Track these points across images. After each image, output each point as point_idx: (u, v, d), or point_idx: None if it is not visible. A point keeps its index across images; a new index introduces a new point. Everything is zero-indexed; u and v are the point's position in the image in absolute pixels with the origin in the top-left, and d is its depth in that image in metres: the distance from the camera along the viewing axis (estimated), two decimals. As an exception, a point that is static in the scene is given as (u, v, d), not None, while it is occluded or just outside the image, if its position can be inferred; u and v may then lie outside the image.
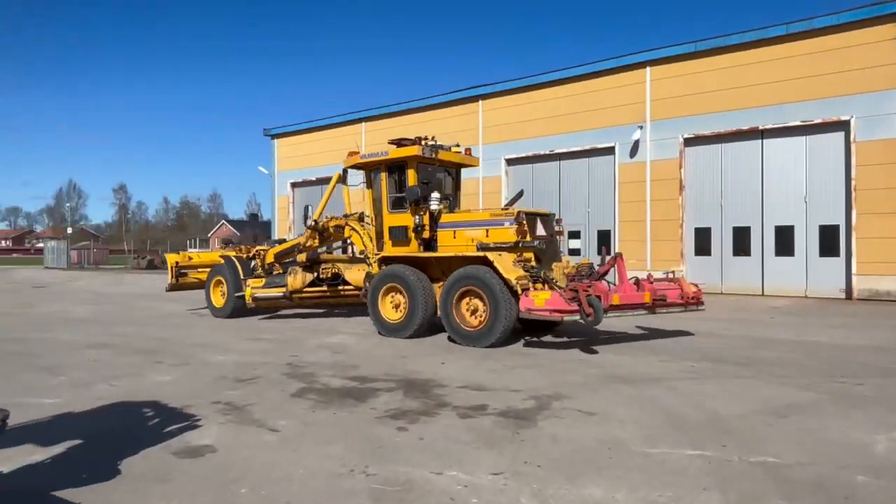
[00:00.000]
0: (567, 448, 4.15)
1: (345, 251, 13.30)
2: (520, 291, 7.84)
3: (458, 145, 10.62)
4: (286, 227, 28.94)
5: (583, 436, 4.41)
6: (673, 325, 10.33)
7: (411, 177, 9.82)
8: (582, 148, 20.25)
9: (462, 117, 23.05)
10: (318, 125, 27.88)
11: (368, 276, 10.08)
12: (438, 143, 10.20)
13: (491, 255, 8.35)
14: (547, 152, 21.01)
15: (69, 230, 48.65)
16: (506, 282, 7.98)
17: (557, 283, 8.33)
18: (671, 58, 18.53)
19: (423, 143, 9.85)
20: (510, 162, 22.08)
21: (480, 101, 22.59)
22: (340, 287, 11.39)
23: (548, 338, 9.18)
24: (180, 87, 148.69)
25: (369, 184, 10.66)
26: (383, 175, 10.20)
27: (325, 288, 11.46)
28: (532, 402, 5.38)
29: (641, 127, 18.93)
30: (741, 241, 17.78)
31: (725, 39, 17.64)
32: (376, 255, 10.18)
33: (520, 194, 11.00)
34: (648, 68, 18.97)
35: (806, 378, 6.29)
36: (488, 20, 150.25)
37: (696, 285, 8.80)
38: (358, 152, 10.77)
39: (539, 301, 7.61)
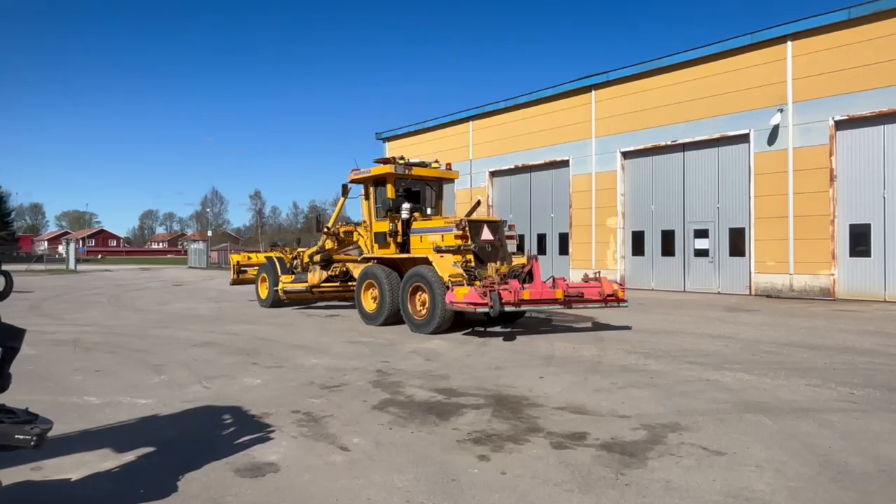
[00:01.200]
0: (684, 500, 3.30)
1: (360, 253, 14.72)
2: (449, 287, 9.18)
3: (436, 161, 12.26)
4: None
5: (705, 484, 3.52)
6: (828, 337, 8.70)
7: (389, 190, 11.66)
8: (710, 136, 18.29)
9: (573, 110, 21.91)
10: (426, 126, 28.08)
11: None
12: (419, 160, 11.98)
13: (432, 257, 9.97)
14: (668, 143, 19.25)
15: (209, 233, 53.79)
16: (442, 279, 9.49)
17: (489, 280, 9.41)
18: (818, 29, 16.09)
19: (396, 161, 11.59)
20: (626, 155, 20.57)
21: (593, 91, 21.30)
22: (350, 283, 12.98)
23: (666, 352, 8.08)
24: (307, 96, 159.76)
25: (366, 196, 12.32)
26: (371, 189, 12.06)
27: (338, 284, 13.28)
28: (643, 432, 4.53)
29: (781, 110, 16.64)
30: (913, 240, 14.99)
31: (885, 2, 14.92)
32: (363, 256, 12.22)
33: (477, 204, 12.33)
34: (790, 43, 16.63)
35: None
36: (602, 6, 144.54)
37: (619, 284, 10.01)
38: (357, 169, 12.35)
39: (459, 295, 8.92)
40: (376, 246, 11.98)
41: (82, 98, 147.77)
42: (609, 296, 9.65)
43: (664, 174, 19.75)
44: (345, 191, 12.96)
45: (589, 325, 10.94)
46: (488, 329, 10.39)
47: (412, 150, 28.80)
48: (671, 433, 4.51)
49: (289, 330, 10.47)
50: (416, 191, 12.16)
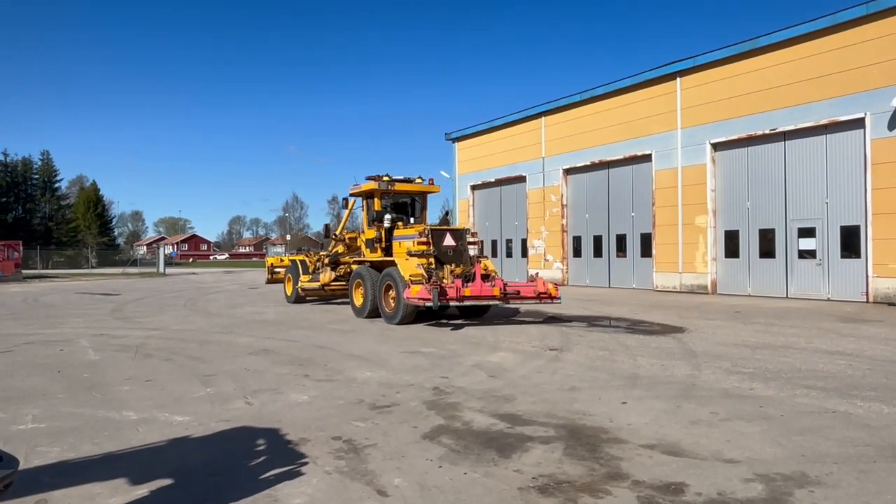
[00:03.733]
0: None
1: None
2: (409, 285, 10.93)
3: (420, 177, 13.99)
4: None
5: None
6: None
7: (376, 203, 13.83)
8: (816, 122, 16.29)
9: (655, 100, 20.36)
10: (496, 124, 27.28)
11: None
12: (401, 177, 13.78)
13: (398, 260, 11.95)
14: (766, 131, 17.37)
15: (288, 237, 55.66)
16: (403, 278, 11.24)
17: (443, 280, 11.19)
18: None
19: (381, 179, 13.44)
20: (717, 146, 18.81)
21: (678, 79, 19.67)
22: None
23: (775, 372, 6.86)
24: (377, 100, 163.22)
25: (363, 208, 14.42)
26: (365, 202, 14.29)
27: (344, 283, 14.88)
28: (759, 486, 3.54)
29: (907, 88, 14.43)
30: None
31: None
32: (354, 259, 14.63)
33: (446, 214, 14.74)
34: (917, 10, 14.40)
35: None
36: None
37: (553, 284, 11.71)
38: (357, 185, 14.29)
39: (413, 292, 10.74)
40: (367, 250, 13.95)
41: (174, 106, 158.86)
42: (542, 293, 11.25)
43: (762, 167, 17.83)
44: (346, 203, 15.62)
45: (676, 337, 9.77)
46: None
47: (481, 149, 28.12)
48: (798, 489, 3.49)
49: (349, 337, 10.15)
50: (405, 203, 14.36)
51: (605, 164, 22.48)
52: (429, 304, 10.39)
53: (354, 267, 14.21)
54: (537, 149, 25.20)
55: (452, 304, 10.69)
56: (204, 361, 7.86)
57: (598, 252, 23.10)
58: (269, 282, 19.56)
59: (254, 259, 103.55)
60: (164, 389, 6.25)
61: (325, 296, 16.08)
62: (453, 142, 30.17)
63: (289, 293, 16.86)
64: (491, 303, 11.17)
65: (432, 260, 11.95)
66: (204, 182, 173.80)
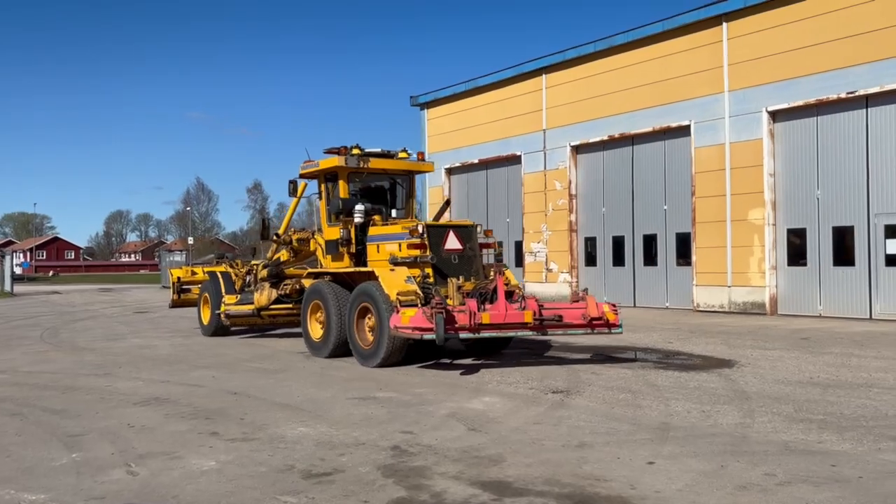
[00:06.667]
0: None
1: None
2: (398, 308, 9.92)
3: (405, 150, 13.14)
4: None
5: None
6: None
7: (342, 188, 12.62)
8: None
9: (695, 52, 20.87)
10: (480, 84, 27.60)
11: None
12: (380, 150, 12.93)
13: (379, 270, 10.99)
14: (842, 95, 17.87)
15: (190, 240, 55.15)
16: (388, 298, 10.33)
17: (448, 300, 10.31)
18: None
19: (348, 152, 12.42)
20: (777, 116, 19.32)
21: (724, 24, 20.20)
22: None
23: (852, 420, 7.06)
24: (320, 64, 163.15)
25: (319, 195, 13.37)
26: (323, 186, 13.18)
27: (291, 305, 13.86)
28: (830, 573, 3.63)
29: None
30: None
31: None
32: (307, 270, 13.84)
33: (446, 204, 13.59)
34: None
35: None
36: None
37: (610, 305, 10.75)
38: (309, 160, 13.26)
39: (405, 318, 9.74)
40: (328, 258, 13.08)
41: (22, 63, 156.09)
42: (595, 319, 10.46)
43: (836, 143, 18.32)
44: (294, 188, 13.83)
45: (722, 374, 9.98)
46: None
47: (460, 118, 28.36)
48: (881, 575, 3.60)
49: (276, 379, 10.16)
50: (382, 188, 13.42)
51: (629, 138, 22.87)
52: (429, 336, 9.51)
53: (308, 282, 13.21)
54: (536, 118, 25.52)
55: (464, 336, 9.96)
56: (69, 416, 7.79)
57: (618, 259, 23.44)
58: (177, 304, 18.18)
59: (142, 272, 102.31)
60: (9, 456, 6.17)
61: (262, 324, 15.38)
62: (421, 108, 30.39)
63: (205, 321, 16.07)
64: (520, 334, 10.53)
65: (429, 270, 11.21)
66: (70, 165, 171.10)
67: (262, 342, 14.73)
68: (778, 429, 6.71)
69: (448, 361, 11.37)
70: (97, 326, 19.04)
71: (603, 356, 11.75)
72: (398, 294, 10.28)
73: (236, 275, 15.54)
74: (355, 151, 12.57)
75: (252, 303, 14.29)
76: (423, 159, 13.44)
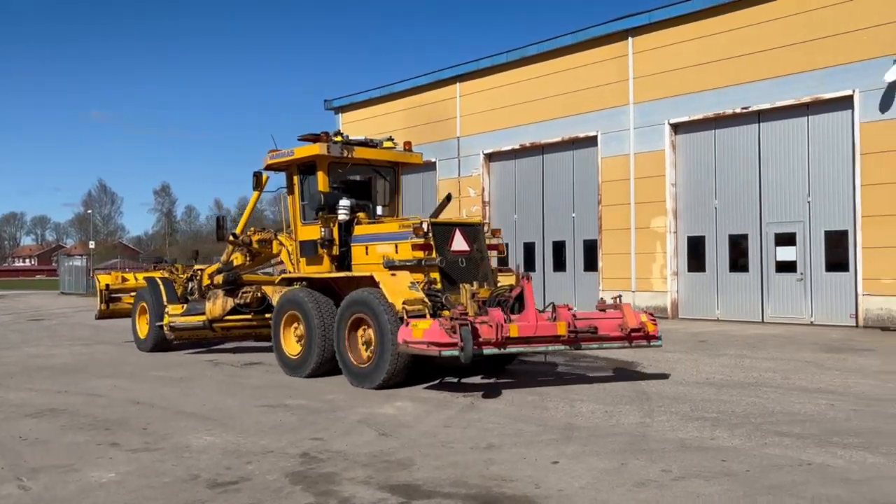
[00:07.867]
0: None
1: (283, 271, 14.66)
2: (405, 319, 8.60)
3: (391, 139, 12.10)
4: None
5: None
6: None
7: (321, 181, 11.26)
8: (796, 101, 17.79)
9: (602, 66, 21.54)
10: (395, 90, 27.67)
11: None
12: (364, 138, 11.84)
13: (379, 275, 9.50)
14: (737, 110, 18.83)
15: (92, 244, 52.89)
16: (393, 307, 8.99)
17: (463, 308, 9.09)
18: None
19: (330, 139, 11.12)
20: (678, 128, 20.20)
21: (631, 39, 20.95)
22: (268, 314, 12.12)
23: (743, 417, 7.48)
24: (235, 65, 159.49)
25: (290, 189, 12.11)
26: (296, 179, 11.90)
27: (250, 315, 12.73)
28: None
29: (897, 61, 16.23)
30: None
31: None
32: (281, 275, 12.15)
33: (447, 199, 12.22)
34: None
35: None
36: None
37: (649, 314, 9.69)
38: (276, 150, 12.04)
39: (417, 332, 8.35)
40: (303, 261, 11.82)
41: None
42: (634, 331, 9.36)
43: (732, 155, 19.29)
44: (258, 181, 12.47)
45: (623, 373, 10.35)
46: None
47: (374, 124, 28.23)
48: (763, 561, 3.84)
49: (181, 388, 9.93)
50: (363, 181, 12.18)
51: (539, 147, 23.42)
52: (450, 352, 8.19)
53: (271, 290, 12.13)
54: (450, 125, 25.81)
55: (488, 352, 8.60)
56: (-46, 429, 7.40)
57: (528, 264, 23.91)
58: (105, 315, 16.06)
59: (38, 277, 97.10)
60: None
61: (213, 337, 13.83)
62: (336, 112, 30.19)
63: (142, 334, 14.21)
64: (552, 348, 9.33)
65: (436, 275, 9.98)
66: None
67: (172, 357, 14.03)
68: (675, 427, 7.03)
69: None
70: (-13, 335, 18.05)
71: (512, 358, 11.96)
72: (404, 303, 8.93)
73: (177, 280, 14.16)
74: (338, 138, 11.35)
75: (202, 313, 12.80)
76: (411, 149, 12.20)
